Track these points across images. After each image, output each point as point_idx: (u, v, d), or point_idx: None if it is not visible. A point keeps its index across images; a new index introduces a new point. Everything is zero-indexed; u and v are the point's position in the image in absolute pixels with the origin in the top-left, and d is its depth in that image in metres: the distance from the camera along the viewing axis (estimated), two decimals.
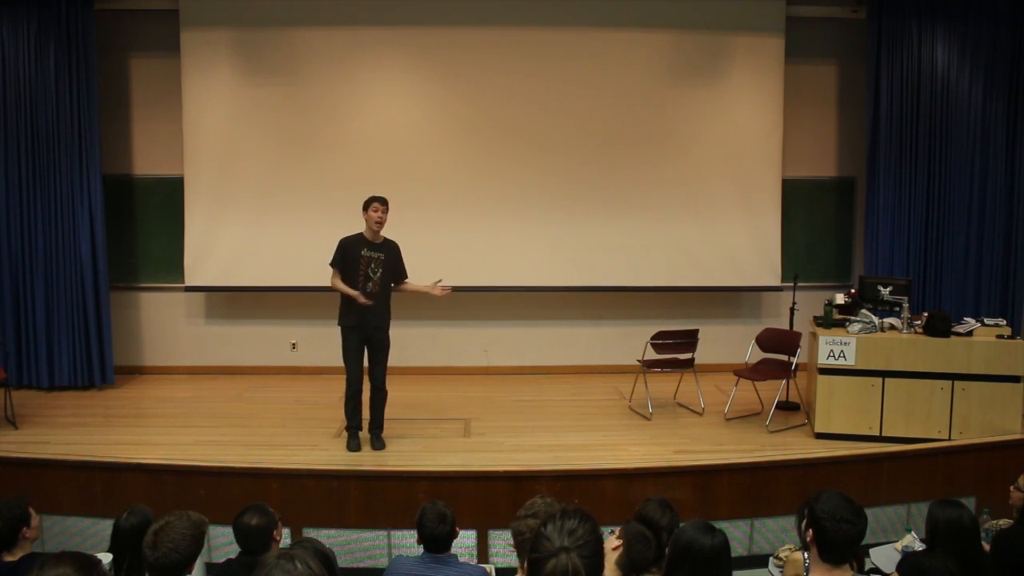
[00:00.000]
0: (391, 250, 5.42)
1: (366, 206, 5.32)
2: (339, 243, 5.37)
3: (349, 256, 5.31)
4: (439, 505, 3.26)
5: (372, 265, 5.31)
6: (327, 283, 6.44)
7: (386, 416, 5.61)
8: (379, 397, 5.52)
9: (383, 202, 5.31)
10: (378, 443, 5.49)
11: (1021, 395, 5.58)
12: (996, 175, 7.08)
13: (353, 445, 5.42)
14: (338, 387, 6.80)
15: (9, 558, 3.29)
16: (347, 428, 5.49)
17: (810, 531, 2.45)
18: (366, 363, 5.49)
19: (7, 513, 3.34)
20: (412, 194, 7.11)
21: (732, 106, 7.27)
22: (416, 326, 7.44)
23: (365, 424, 5.55)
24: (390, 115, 7.17)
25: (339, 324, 5.44)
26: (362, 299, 5.20)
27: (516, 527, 2.57)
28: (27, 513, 3.40)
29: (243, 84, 7.03)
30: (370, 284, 5.29)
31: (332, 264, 5.38)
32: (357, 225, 6.75)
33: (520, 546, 2.53)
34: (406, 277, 5.55)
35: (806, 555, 2.59)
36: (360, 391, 5.45)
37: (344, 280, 5.30)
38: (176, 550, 2.56)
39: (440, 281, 5.56)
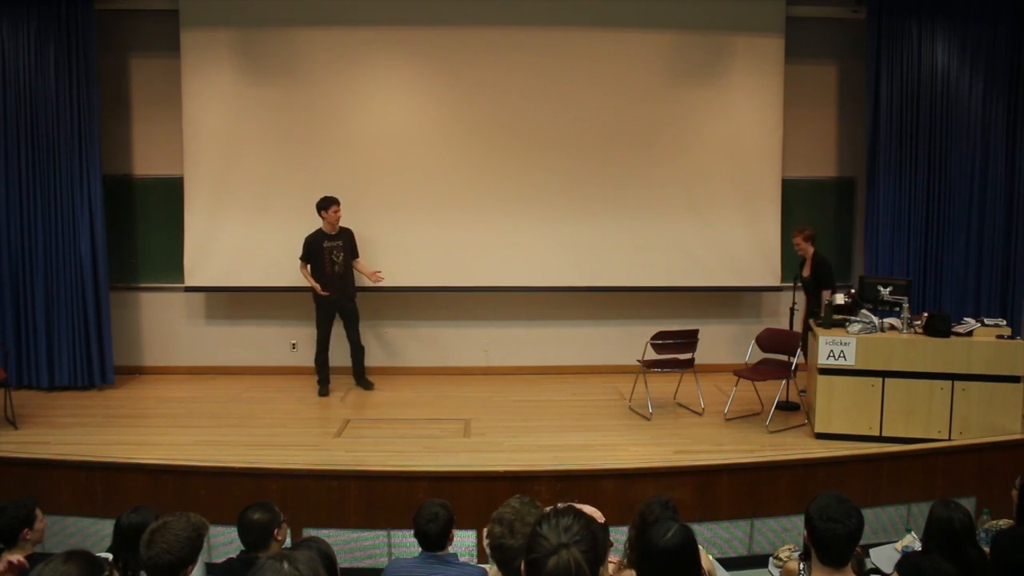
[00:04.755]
0: (347, 236, 6.70)
1: (326, 207, 6.53)
2: (305, 241, 6.58)
3: (315, 250, 6.57)
4: (435, 504, 3.26)
5: (334, 252, 6.59)
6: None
7: (386, 416, 6.21)
8: (359, 353, 6.87)
9: (338, 203, 6.57)
10: (366, 383, 6.91)
11: (1021, 395, 5.57)
12: (996, 175, 7.08)
13: (324, 391, 6.73)
14: (340, 387, 6.90)
15: (10, 558, 3.29)
16: (319, 381, 6.77)
17: (806, 532, 2.44)
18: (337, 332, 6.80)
19: (12, 512, 3.34)
20: (411, 193, 7.12)
21: (732, 106, 7.27)
22: (416, 326, 7.45)
23: (330, 380, 6.85)
24: (389, 115, 7.17)
25: (314, 301, 6.65)
26: (321, 291, 6.52)
27: (488, 531, 2.55)
28: (32, 515, 3.40)
29: (243, 84, 7.03)
30: (336, 267, 6.59)
31: (301, 259, 6.61)
32: (357, 223, 6.82)
33: (492, 552, 2.50)
34: (357, 257, 6.82)
35: (802, 566, 2.58)
36: (326, 351, 6.72)
37: (314, 268, 6.57)
38: (169, 551, 2.54)
39: (379, 272, 6.79)
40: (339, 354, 7.33)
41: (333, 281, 6.56)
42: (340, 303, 6.65)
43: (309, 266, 6.57)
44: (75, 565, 1.96)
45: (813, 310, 6.42)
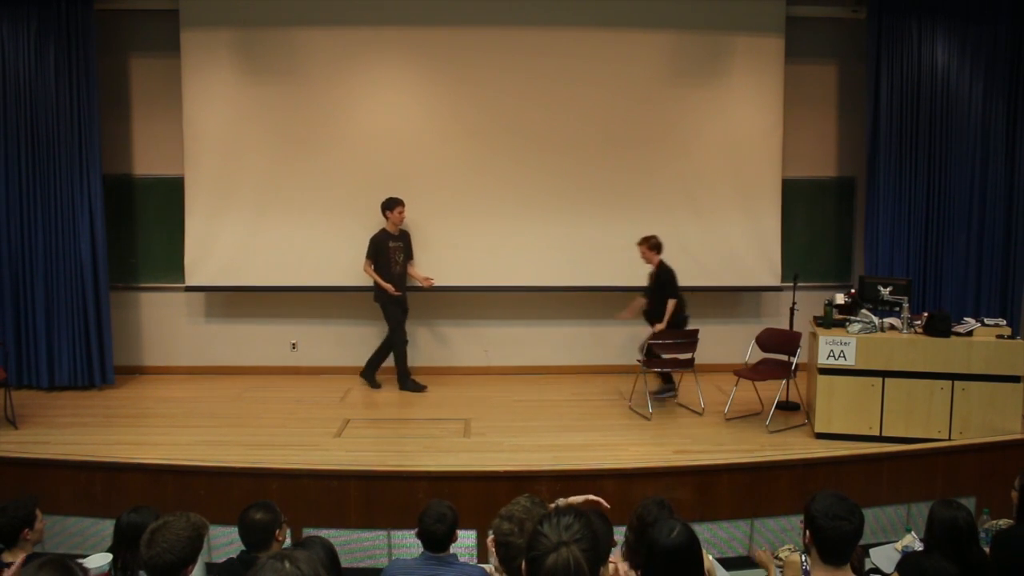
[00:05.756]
0: (406, 238, 6.93)
1: (392, 207, 6.72)
2: (371, 240, 6.73)
3: (381, 249, 6.74)
4: (443, 505, 3.26)
5: (397, 253, 6.80)
6: (327, 283, 6.79)
7: (387, 416, 6.27)
8: (386, 351, 6.96)
9: (403, 205, 6.76)
10: (374, 381, 6.97)
11: (1021, 395, 5.57)
12: (996, 175, 7.08)
13: (417, 385, 6.87)
14: (338, 387, 6.92)
15: (9, 558, 3.29)
16: (408, 376, 6.89)
17: (807, 532, 2.45)
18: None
19: (12, 511, 3.35)
20: (411, 194, 7.10)
21: (732, 106, 7.27)
22: (416, 326, 7.43)
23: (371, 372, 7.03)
24: (390, 115, 7.16)
25: (381, 301, 6.80)
26: (394, 291, 6.71)
27: (495, 528, 2.55)
28: (32, 515, 3.40)
29: (243, 84, 7.03)
30: (398, 267, 6.79)
31: (368, 257, 6.74)
32: (358, 224, 6.84)
33: (498, 549, 2.50)
34: (412, 259, 6.98)
35: (804, 557, 2.59)
36: (405, 343, 6.90)
37: (379, 267, 6.73)
38: (170, 550, 2.53)
39: (431, 277, 6.94)
40: (340, 353, 7.35)
41: (394, 280, 6.72)
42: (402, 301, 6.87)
43: (374, 265, 6.73)
44: (51, 572, 1.95)
45: (653, 317, 6.51)
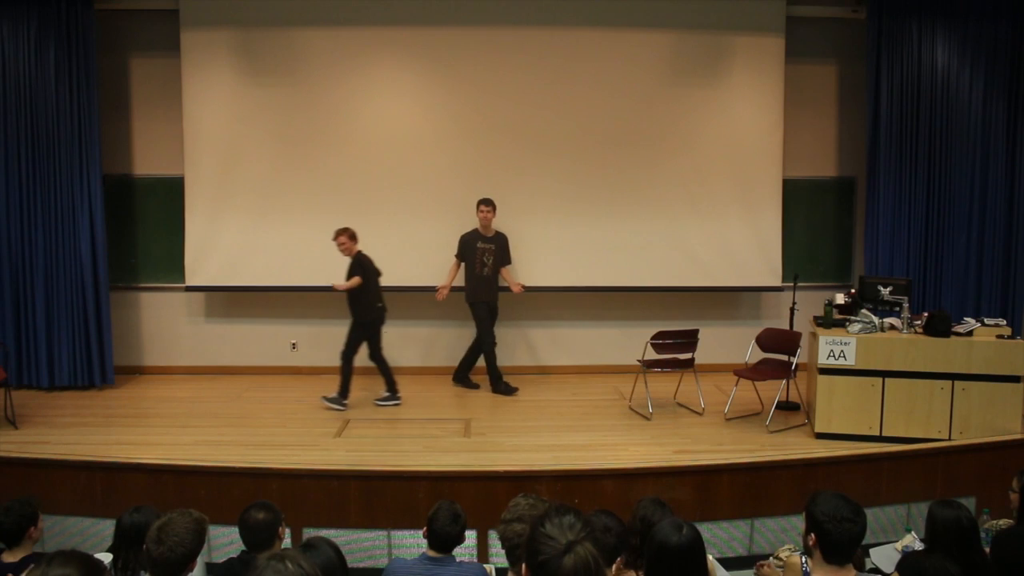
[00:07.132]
0: (500, 241, 6.78)
1: (477, 206, 6.66)
2: (460, 239, 6.72)
3: (468, 248, 6.68)
4: (455, 506, 3.25)
5: (486, 255, 6.68)
6: (327, 283, 6.73)
7: (386, 416, 6.23)
8: (474, 355, 6.96)
9: (488, 204, 6.65)
10: (472, 385, 6.94)
11: (1021, 395, 5.57)
12: (996, 175, 7.09)
13: (508, 387, 6.78)
14: (338, 387, 6.85)
15: (9, 558, 3.29)
16: (500, 378, 6.78)
17: (812, 535, 2.45)
18: None
19: (18, 510, 3.36)
20: (411, 194, 7.13)
21: (732, 106, 7.27)
22: (416, 326, 7.44)
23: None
24: (390, 115, 7.17)
25: (469, 301, 6.74)
26: (439, 295, 6.75)
27: (503, 532, 2.55)
28: (36, 513, 3.41)
29: (243, 84, 7.03)
30: (485, 269, 6.67)
31: (456, 255, 6.75)
32: (357, 223, 6.82)
33: (511, 551, 2.51)
34: (510, 263, 6.87)
35: (804, 559, 2.59)
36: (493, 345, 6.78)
37: (467, 267, 6.70)
38: (181, 544, 2.57)
39: (521, 284, 6.88)
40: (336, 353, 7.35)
41: (479, 282, 6.66)
42: (491, 305, 6.78)
43: (463, 264, 6.72)
44: (76, 567, 1.95)
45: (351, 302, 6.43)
